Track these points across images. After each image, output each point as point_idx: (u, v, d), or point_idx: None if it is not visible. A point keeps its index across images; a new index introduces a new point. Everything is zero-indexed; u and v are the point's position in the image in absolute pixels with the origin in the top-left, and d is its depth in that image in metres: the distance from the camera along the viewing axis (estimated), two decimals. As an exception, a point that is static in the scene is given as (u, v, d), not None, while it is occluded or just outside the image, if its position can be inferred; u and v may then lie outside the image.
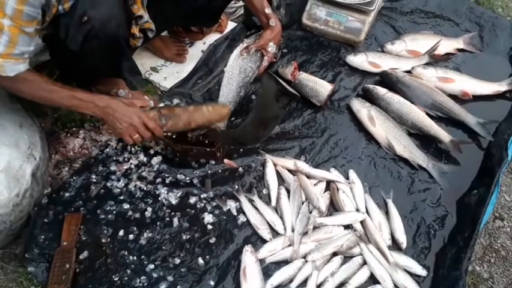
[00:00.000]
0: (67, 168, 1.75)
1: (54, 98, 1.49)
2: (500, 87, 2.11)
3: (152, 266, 1.51)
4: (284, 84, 1.30)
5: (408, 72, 2.15)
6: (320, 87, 1.99)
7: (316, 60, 2.21)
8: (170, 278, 1.49)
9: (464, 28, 2.43)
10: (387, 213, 1.71)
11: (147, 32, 1.81)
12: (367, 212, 1.70)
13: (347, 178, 1.79)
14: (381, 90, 2.03)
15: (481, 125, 1.97)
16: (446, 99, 2.02)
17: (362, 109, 1.97)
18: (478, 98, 2.10)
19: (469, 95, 2.08)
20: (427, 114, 1.97)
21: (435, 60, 2.21)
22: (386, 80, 2.11)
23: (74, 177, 1.71)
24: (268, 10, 1.80)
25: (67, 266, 1.46)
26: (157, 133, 1.59)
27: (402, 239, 1.63)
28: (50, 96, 1.49)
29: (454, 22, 2.45)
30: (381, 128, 1.91)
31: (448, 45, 2.28)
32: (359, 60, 2.18)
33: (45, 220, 1.58)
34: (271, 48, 1.82)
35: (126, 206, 1.65)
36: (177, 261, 1.53)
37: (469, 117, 1.98)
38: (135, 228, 1.60)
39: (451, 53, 2.28)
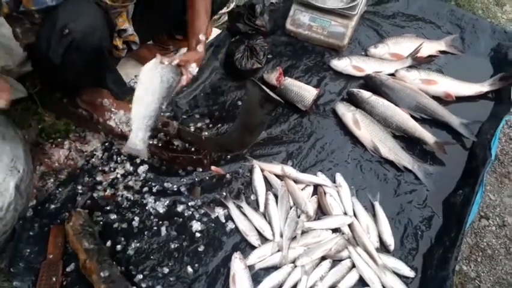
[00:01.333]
0: (52, 180, 1.73)
1: None
2: (482, 87, 2.15)
3: (140, 276, 1.50)
4: (268, 91, 1.31)
5: (392, 75, 2.17)
6: (305, 92, 2.01)
7: (301, 66, 2.23)
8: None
9: (445, 30, 2.47)
10: (374, 215, 1.73)
11: (131, 44, 1.81)
12: (354, 215, 1.71)
13: (334, 182, 1.80)
14: (365, 94, 2.05)
15: (464, 125, 1.99)
16: (429, 101, 2.05)
17: (347, 113, 1.98)
18: (460, 99, 2.13)
19: (451, 96, 2.11)
20: (411, 116, 2.00)
21: (418, 62, 2.24)
22: (370, 83, 2.13)
23: (59, 189, 1.70)
24: (202, 37, 1.66)
25: (54, 279, 1.44)
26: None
27: (390, 241, 1.65)
28: None
29: (436, 25, 2.49)
30: (367, 131, 1.93)
31: (430, 48, 2.32)
32: (343, 64, 2.20)
33: (31, 233, 1.56)
34: (192, 69, 1.61)
35: (113, 216, 1.64)
36: (166, 270, 1.52)
37: (453, 118, 2.01)
38: (122, 239, 1.59)
39: (433, 55, 2.32)
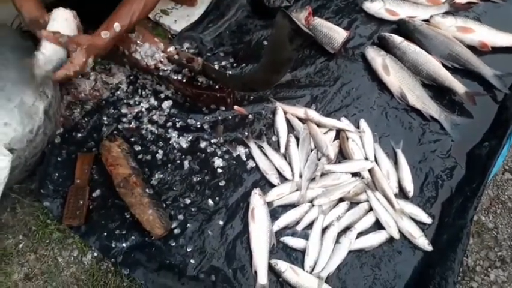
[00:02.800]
0: (78, 110, 1.76)
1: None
2: (521, 39, 2.04)
3: (163, 205, 1.55)
4: (299, 23, 1.26)
5: (427, 21, 2.07)
6: (335, 33, 1.94)
7: (331, 6, 2.14)
8: (181, 217, 1.53)
9: (488, -24, 2.31)
10: (396, 162, 1.72)
11: None
12: (376, 161, 1.70)
13: (358, 127, 1.79)
14: (397, 39, 1.97)
15: (497, 77, 1.91)
16: (463, 50, 1.96)
17: (377, 57, 1.92)
18: (496, 50, 2.03)
19: (487, 46, 2.02)
20: (443, 65, 1.92)
21: (455, 9, 2.12)
22: (403, 28, 2.05)
23: (85, 119, 1.73)
24: (117, 27, 1.44)
25: (81, 202, 1.51)
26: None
27: (410, 187, 1.65)
28: None
29: (479, -30, 2.33)
30: (395, 77, 1.88)
31: (470, -6, 2.19)
32: (376, 7, 2.10)
33: (59, 159, 1.62)
34: (78, 60, 1.37)
35: (137, 148, 1.68)
36: (188, 201, 1.57)
37: (486, 69, 1.93)
38: (146, 169, 1.63)
39: (472, 2, 2.18)
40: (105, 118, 1.74)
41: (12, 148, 1.34)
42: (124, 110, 1.76)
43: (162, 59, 1.77)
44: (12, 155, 1.33)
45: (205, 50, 1.95)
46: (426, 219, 1.59)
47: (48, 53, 1.30)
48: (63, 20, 1.39)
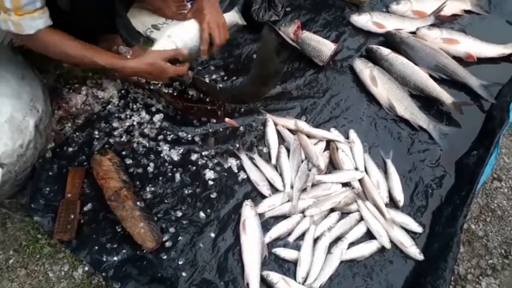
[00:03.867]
0: (69, 124, 1.76)
1: (89, 56, 1.48)
2: (505, 49, 2.09)
3: (155, 218, 1.55)
4: (285, 36, 1.29)
5: (413, 33, 2.12)
6: (323, 46, 1.98)
7: (320, 20, 2.18)
8: (172, 230, 1.53)
9: (472, -11, 2.37)
10: (386, 172, 1.73)
11: None
12: (366, 171, 1.72)
13: (347, 138, 1.81)
14: (384, 51, 2.01)
15: (484, 87, 1.95)
16: (450, 61, 2.00)
17: (365, 69, 1.96)
18: (482, 60, 2.08)
19: (473, 57, 2.06)
20: (430, 76, 1.96)
21: (440, 21, 2.17)
22: (390, 40, 2.09)
23: (77, 133, 1.74)
24: None
25: (72, 216, 1.51)
26: (185, 73, 1.63)
27: (400, 197, 1.66)
28: (86, 59, 1.47)
29: (462, -17, 2.39)
30: (383, 88, 1.91)
31: (454, 7, 2.24)
32: (363, 20, 2.15)
33: (50, 173, 1.62)
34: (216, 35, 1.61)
35: (129, 161, 1.68)
36: (179, 214, 1.57)
37: (472, 80, 1.97)
38: (138, 183, 1.63)
39: (457, 14, 2.25)
40: (96, 132, 1.74)
41: (2, 163, 1.35)
42: (115, 124, 1.77)
43: (153, 73, 1.78)
44: (2, 170, 1.33)
45: (196, 64, 1.97)
46: (417, 228, 1.60)
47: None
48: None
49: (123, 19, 1.70)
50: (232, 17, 1.81)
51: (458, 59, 2.05)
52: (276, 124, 1.82)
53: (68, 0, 1.42)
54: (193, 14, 1.62)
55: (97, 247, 1.49)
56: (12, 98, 1.37)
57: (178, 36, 1.60)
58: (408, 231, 1.59)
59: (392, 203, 1.67)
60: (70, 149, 1.69)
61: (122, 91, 1.86)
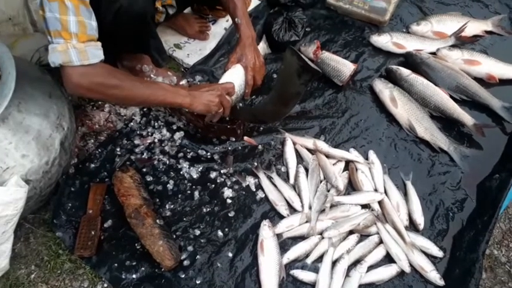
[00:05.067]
0: (92, 141, 1.80)
1: (143, 87, 1.44)
2: (528, 71, 2.06)
3: (173, 236, 1.56)
4: (306, 59, 1.30)
5: (433, 54, 2.11)
6: (343, 66, 1.99)
7: (339, 40, 2.20)
8: (190, 248, 1.54)
9: (493, 10, 2.37)
10: (405, 194, 1.72)
11: (167, 8, 1.83)
12: (385, 192, 1.71)
13: (367, 159, 1.80)
14: (404, 71, 2.01)
15: (506, 109, 1.93)
16: (471, 82, 1.99)
17: (385, 90, 1.95)
18: (504, 81, 2.06)
19: (495, 78, 2.04)
20: (451, 97, 1.94)
21: (461, 42, 2.16)
22: (410, 61, 2.08)
23: (99, 149, 1.77)
24: (238, 20, 1.66)
25: (93, 233, 1.53)
26: (232, 93, 1.65)
27: (420, 220, 1.64)
28: (138, 85, 1.43)
29: (483, 3, 2.39)
30: (404, 109, 1.90)
31: (475, 27, 2.23)
32: (383, 40, 2.15)
33: (72, 189, 1.65)
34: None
35: (149, 178, 1.70)
36: (197, 232, 1.58)
37: (494, 101, 1.95)
38: (157, 200, 1.65)
39: (478, 35, 2.23)
40: (118, 149, 1.78)
41: (28, 179, 1.38)
42: (136, 141, 1.80)
43: (175, 92, 1.81)
44: (28, 186, 1.36)
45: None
46: (438, 252, 1.57)
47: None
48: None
49: (156, 40, 1.75)
50: (263, 49, 1.88)
51: (479, 80, 2.03)
52: (294, 143, 1.83)
53: (111, 20, 1.45)
54: (236, 57, 1.70)
55: (116, 264, 1.50)
56: (40, 117, 1.40)
57: (235, 82, 1.67)
58: (429, 256, 1.57)
59: (412, 226, 1.65)
60: (92, 165, 1.73)
61: (144, 109, 1.89)
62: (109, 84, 1.35)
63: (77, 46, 1.26)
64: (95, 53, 1.30)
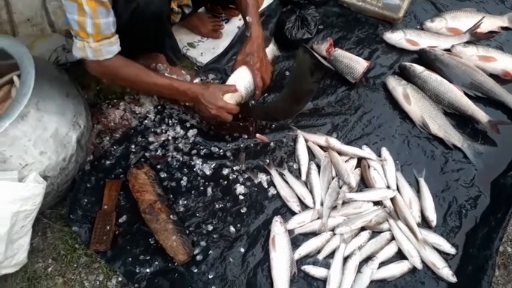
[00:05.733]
0: (108, 138, 1.84)
1: (154, 84, 1.56)
2: (545, 67, 2.03)
3: (186, 231, 1.58)
4: (319, 57, 1.31)
5: (448, 50, 2.09)
6: (355, 64, 1.98)
7: (352, 37, 2.19)
8: (203, 243, 1.57)
9: (509, 5, 2.33)
10: (418, 191, 1.71)
11: (184, 8, 1.85)
12: (398, 189, 1.70)
13: (379, 156, 1.80)
14: (418, 68, 1.99)
15: (521, 105, 1.91)
16: (486, 79, 1.97)
17: (398, 87, 1.95)
18: (520, 78, 2.03)
19: (510, 75, 2.01)
20: (465, 93, 1.93)
21: (476, 38, 2.14)
22: (424, 58, 2.07)
23: (114, 147, 1.81)
24: (249, 18, 1.65)
25: (108, 227, 1.57)
26: (234, 112, 1.62)
27: (433, 217, 1.63)
28: (149, 81, 1.55)
29: (499, -1, 2.36)
30: (417, 106, 1.89)
31: (491, 23, 2.20)
32: (396, 37, 2.14)
33: (88, 185, 1.69)
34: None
35: (163, 175, 1.73)
36: (210, 228, 1.60)
37: (510, 98, 1.92)
38: (171, 196, 1.68)
39: (494, 31, 2.20)
40: (133, 146, 1.81)
41: (46, 175, 1.42)
42: (151, 139, 1.83)
43: (188, 90, 1.84)
44: (46, 182, 1.41)
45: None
46: (450, 249, 1.56)
47: None
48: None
49: (171, 40, 1.78)
50: (272, 50, 1.86)
51: (494, 76, 2.01)
52: (306, 140, 1.83)
53: (128, 20, 1.50)
54: (244, 58, 1.66)
55: (130, 258, 1.54)
56: (57, 115, 1.44)
57: (241, 84, 1.64)
58: (441, 252, 1.56)
59: (425, 223, 1.64)
60: (108, 162, 1.77)
61: (159, 107, 1.93)
62: (122, 76, 1.53)
63: (92, 45, 1.41)
64: (109, 49, 1.44)
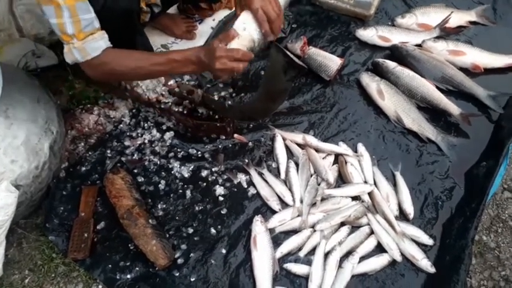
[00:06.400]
0: (82, 144, 1.81)
1: (152, 65, 1.47)
2: (512, 59, 2.09)
3: (166, 235, 1.57)
4: (292, 56, 1.32)
5: (419, 45, 2.13)
6: (329, 61, 2.00)
7: (326, 35, 2.21)
8: (184, 247, 1.55)
9: (477, 0, 2.39)
10: (395, 185, 1.74)
11: (153, 7, 1.83)
12: (375, 184, 1.73)
13: (356, 151, 1.82)
14: (390, 64, 2.03)
15: (491, 97, 1.95)
16: (456, 73, 2.01)
17: (371, 83, 1.97)
18: (489, 71, 2.08)
19: (480, 68, 2.07)
20: (437, 87, 1.97)
21: (446, 33, 2.19)
22: (396, 53, 2.10)
23: (89, 152, 1.78)
24: None
25: (86, 235, 1.54)
26: (247, 58, 1.40)
27: (410, 210, 1.66)
28: (147, 64, 1.47)
29: (467, -6, 2.41)
30: (391, 101, 1.92)
31: (459, 18, 2.26)
32: (368, 34, 2.17)
33: (64, 192, 1.66)
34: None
35: (140, 179, 1.71)
36: (190, 230, 1.59)
37: (480, 90, 1.97)
38: (150, 200, 1.66)
39: (462, 26, 2.26)
40: (109, 151, 1.78)
41: (18, 184, 1.39)
42: (127, 143, 1.81)
43: (163, 92, 1.83)
44: (19, 191, 1.37)
45: (205, 82, 2.00)
46: (428, 240, 1.59)
47: None
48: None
49: (142, 37, 1.75)
50: None
51: (464, 70, 2.06)
52: (284, 139, 1.84)
53: (98, 14, 1.43)
54: (241, 5, 1.50)
55: (110, 265, 1.51)
56: (28, 122, 1.41)
57: (251, 27, 1.43)
58: (419, 244, 1.59)
59: (402, 215, 1.67)
60: (83, 168, 1.73)
61: (134, 110, 1.90)
62: (120, 70, 1.46)
63: (77, 45, 1.36)
64: (94, 46, 1.38)
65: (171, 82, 1.88)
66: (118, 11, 1.48)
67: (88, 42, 1.37)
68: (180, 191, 1.69)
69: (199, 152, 1.80)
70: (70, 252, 1.51)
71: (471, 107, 1.98)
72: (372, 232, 1.61)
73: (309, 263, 1.54)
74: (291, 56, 1.33)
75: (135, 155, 1.78)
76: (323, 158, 1.79)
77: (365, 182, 1.73)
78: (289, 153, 1.81)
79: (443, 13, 2.23)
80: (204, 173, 1.74)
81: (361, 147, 1.82)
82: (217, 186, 1.70)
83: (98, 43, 1.39)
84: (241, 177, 1.73)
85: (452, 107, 1.90)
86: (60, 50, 1.91)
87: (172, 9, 2.19)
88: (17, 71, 1.66)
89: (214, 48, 1.37)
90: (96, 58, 1.39)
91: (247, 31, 1.42)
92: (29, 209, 1.55)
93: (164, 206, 1.65)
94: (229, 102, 1.93)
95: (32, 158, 1.41)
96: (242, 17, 1.44)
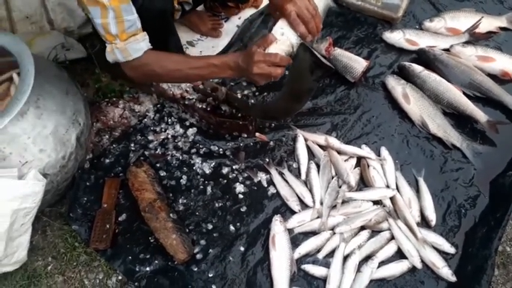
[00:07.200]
0: (107, 136, 1.84)
1: (191, 68, 1.48)
2: (543, 67, 2.04)
3: (186, 230, 1.58)
4: (319, 56, 1.31)
5: (447, 50, 2.10)
6: (355, 63, 1.99)
7: (352, 37, 2.19)
8: (203, 242, 1.57)
9: (508, 6, 2.33)
10: (417, 191, 1.71)
11: (184, 5, 1.85)
12: (397, 189, 1.71)
13: (379, 155, 1.80)
14: (417, 68, 2.00)
15: (520, 105, 1.91)
16: (485, 79, 1.97)
17: (397, 86, 1.95)
18: (518, 78, 2.04)
19: (509, 75, 2.02)
20: (464, 93, 1.93)
21: (475, 38, 2.14)
22: (423, 57, 2.07)
23: (114, 145, 1.81)
24: None
25: (107, 226, 1.56)
26: (285, 63, 1.37)
27: (432, 216, 1.64)
28: (186, 67, 1.48)
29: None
30: (416, 105, 1.89)
31: (490, 23, 2.20)
32: (395, 37, 2.14)
33: (88, 183, 1.69)
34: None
35: (162, 173, 1.73)
36: (210, 226, 1.60)
37: (508, 98, 1.93)
38: (171, 195, 1.68)
39: (492, 32, 2.20)
40: (132, 144, 1.81)
41: (46, 173, 1.42)
42: (150, 137, 1.83)
43: (188, 89, 1.85)
44: (46, 180, 1.40)
45: (229, 80, 2.02)
46: (449, 249, 1.57)
47: None
48: None
49: (175, 37, 1.77)
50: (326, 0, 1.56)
51: (493, 76, 2.01)
52: (306, 140, 1.83)
53: None
54: (272, 9, 1.48)
55: (130, 257, 1.53)
56: (57, 113, 1.44)
57: (289, 31, 1.41)
58: (441, 252, 1.56)
59: (424, 222, 1.65)
60: (107, 161, 1.76)
61: (158, 105, 1.92)
62: (158, 71, 1.47)
63: (119, 46, 1.38)
64: (136, 47, 1.40)
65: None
66: (154, 11, 1.50)
67: (130, 43, 1.39)
68: (201, 186, 1.70)
69: (221, 149, 1.81)
70: (91, 242, 1.54)
71: (499, 114, 1.94)
72: (392, 237, 1.60)
73: (327, 265, 1.53)
74: (318, 55, 1.32)
75: (158, 150, 1.80)
76: (345, 161, 1.78)
77: (387, 186, 1.71)
78: (311, 154, 1.81)
79: (473, 18, 2.18)
80: (225, 170, 1.74)
81: (384, 151, 1.80)
82: (238, 183, 1.71)
83: (140, 45, 1.41)
84: (262, 176, 1.73)
85: (479, 114, 1.86)
86: (89, 44, 1.98)
87: (199, 7, 2.20)
88: (47, 63, 1.69)
89: (252, 52, 1.36)
90: (137, 59, 1.41)
91: (285, 36, 1.41)
92: (54, 198, 1.58)
93: (185, 201, 1.66)
94: (252, 101, 1.93)
95: (60, 148, 1.44)
96: (280, 22, 1.43)
